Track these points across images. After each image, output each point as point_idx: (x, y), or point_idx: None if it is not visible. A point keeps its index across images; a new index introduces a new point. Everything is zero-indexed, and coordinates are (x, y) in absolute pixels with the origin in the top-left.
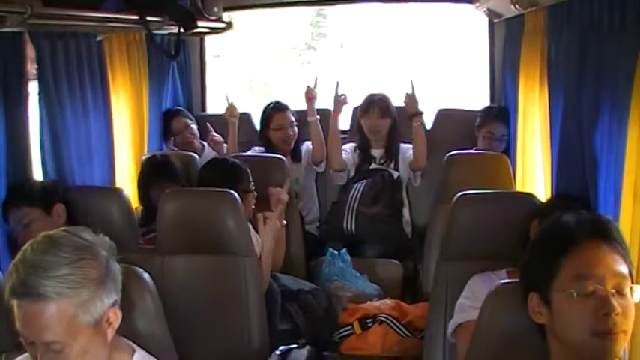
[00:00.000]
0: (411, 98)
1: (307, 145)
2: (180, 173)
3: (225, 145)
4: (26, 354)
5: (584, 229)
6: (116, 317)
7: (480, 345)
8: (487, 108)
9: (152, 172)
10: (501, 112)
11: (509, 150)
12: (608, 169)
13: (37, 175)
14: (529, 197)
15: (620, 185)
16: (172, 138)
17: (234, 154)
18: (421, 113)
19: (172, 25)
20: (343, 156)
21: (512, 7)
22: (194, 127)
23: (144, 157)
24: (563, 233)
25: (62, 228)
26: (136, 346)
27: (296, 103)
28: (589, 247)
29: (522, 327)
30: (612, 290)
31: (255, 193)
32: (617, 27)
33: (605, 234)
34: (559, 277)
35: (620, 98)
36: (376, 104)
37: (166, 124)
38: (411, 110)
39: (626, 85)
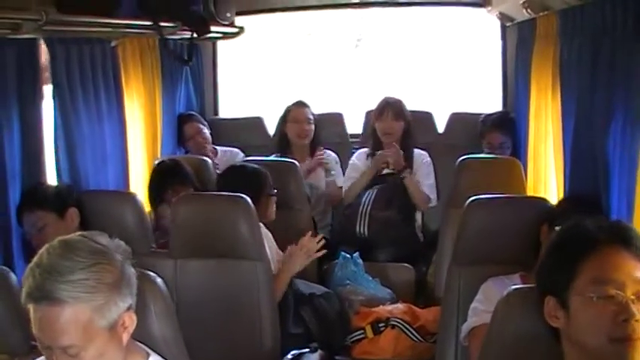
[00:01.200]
0: (395, 154)
1: (328, 154)
2: (191, 176)
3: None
4: (41, 358)
5: (605, 234)
6: (131, 321)
7: (491, 350)
8: (485, 117)
9: (163, 176)
10: (498, 120)
11: (519, 154)
12: (621, 175)
13: (51, 179)
14: (541, 202)
15: (633, 191)
16: (185, 143)
17: (248, 158)
18: (409, 167)
19: (185, 30)
20: (353, 166)
21: (524, 11)
22: (206, 131)
23: (157, 161)
24: (583, 237)
25: (78, 233)
26: (150, 351)
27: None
28: (610, 252)
29: (534, 332)
30: (632, 297)
31: (275, 197)
32: (631, 31)
33: (626, 240)
34: (578, 281)
35: (634, 103)
36: (390, 107)
37: (180, 128)
38: (397, 167)
39: None
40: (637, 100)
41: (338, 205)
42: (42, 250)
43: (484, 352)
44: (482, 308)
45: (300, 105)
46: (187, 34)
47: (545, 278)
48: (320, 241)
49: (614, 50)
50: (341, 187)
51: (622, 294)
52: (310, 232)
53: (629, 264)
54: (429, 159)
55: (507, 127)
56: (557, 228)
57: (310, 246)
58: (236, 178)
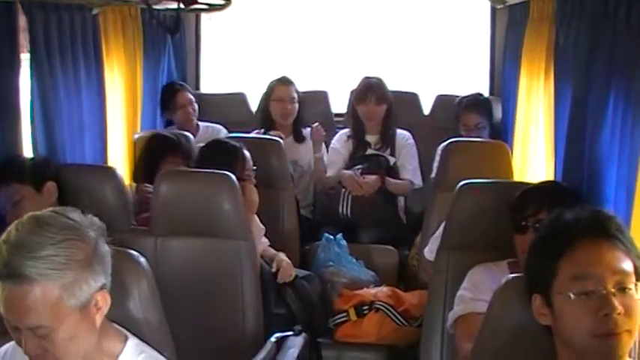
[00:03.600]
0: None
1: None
2: (190, 151)
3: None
4: (12, 342)
5: (581, 228)
6: (105, 302)
7: (488, 339)
8: (460, 99)
9: (165, 149)
10: (473, 101)
11: (506, 138)
12: (620, 164)
13: (27, 152)
14: None
15: (633, 180)
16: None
17: (230, 135)
18: (391, 149)
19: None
20: (334, 150)
21: None
22: (196, 105)
23: (137, 135)
24: (560, 233)
25: (50, 208)
26: (129, 334)
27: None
28: (588, 245)
29: (532, 323)
30: (613, 289)
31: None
32: (633, 18)
33: (603, 230)
34: (558, 279)
35: (634, 91)
36: (372, 91)
37: (170, 97)
38: (374, 187)
39: None
40: (638, 88)
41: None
42: (11, 227)
43: (480, 341)
44: (469, 296)
45: (285, 83)
46: (173, 4)
47: (529, 277)
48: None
49: (615, 37)
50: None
51: (602, 288)
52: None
53: (609, 255)
54: (412, 140)
55: (483, 108)
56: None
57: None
58: (214, 152)
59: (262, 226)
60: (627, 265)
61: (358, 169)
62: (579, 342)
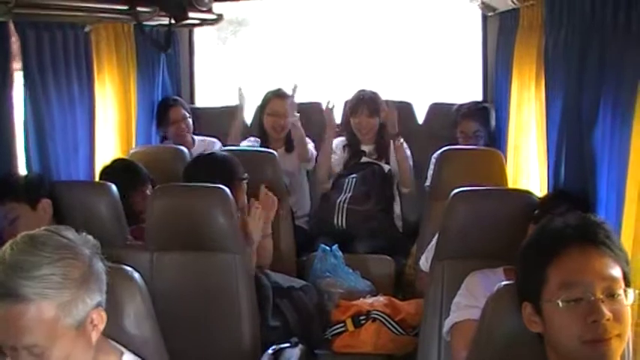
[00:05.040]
0: (390, 117)
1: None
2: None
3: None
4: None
5: (568, 235)
6: (101, 319)
7: (481, 347)
8: (459, 106)
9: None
10: (471, 109)
11: (499, 145)
12: (610, 169)
13: (21, 168)
14: (526, 194)
15: (623, 185)
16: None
17: (225, 148)
18: (398, 134)
19: (163, 16)
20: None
21: (509, 0)
22: (190, 120)
23: (132, 150)
24: (548, 240)
25: (43, 227)
26: (124, 349)
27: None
28: (575, 252)
29: (524, 330)
30: (602, 296)
31: (245, 182)
32: (622, 23)
33: (591, 237)
34: (547, 287)
35: (624, 96)
36: (365, 103)
37: (164, 112)
38: (391, 130)
39: (631, 83)
40: (628, 94)
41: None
42: (6, 246)
43: (474, 349)
44: (465, 303)
45: (280, 96)
46: (165, 20)
47: (519, 285)
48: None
49: (603, 43)
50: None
51: (590, 295)
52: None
53: (597, 262)
54: (405, 145)
55: (481, 116)
56: None
57: (266, 200)
58: (206, 166)
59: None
60: (616, 272)
61: (353, 177)
62: (569, 349)
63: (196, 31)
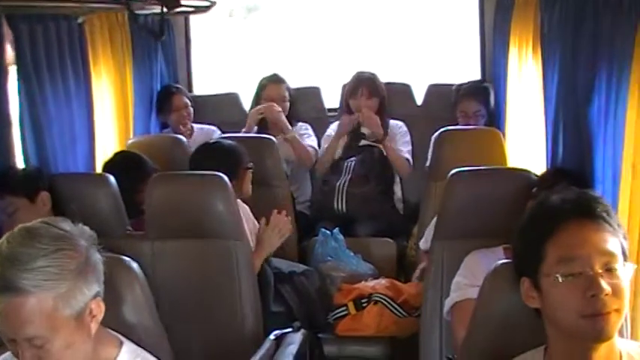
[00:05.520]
0: (369, 123)
1: (299, 125)
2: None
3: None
4: (8, 352)
5: (566, 210)
6: (99, 309)
7: (479, 325)
8: (457, 87)
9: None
10: (471, 89)
11: (498, 124)
12: (606, 143)
13: (18, 162)
14: (525, 173)
15: (619, 159)
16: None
17: (224, 135)
18: (386, 133)
19: (155, 4)
20: (329, 137)
21: None
22: (191, 109)
23: (130, 141)
24: (546, 216)
25: (39, 219)
26: (123, 339)
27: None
28: (573, 227)
29: (522, 307)
30: (600, 270)
31: (251, 171)
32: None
33: (589, 212)
34: (546, 262)
35: (618, 71)
36: (364, 85)
37: (166, 100)
38: (377, 135)
39: (625, 58)
40: (622, 69)
41: (312, 168)
42: (2, 240)
43: (472, 328)
44: (465, 282)
45: (275, 81)
46: (157, 9)
47: (517, 261)
48: (287, 216)
49: (598, 19)
50: (311, 149)
51: (589, 269)
52: (276, 211)
53: (595, 237)
54: (405, 128)
55: (481, 96)
56: None
57: (281, 224)
58: (212, 154)
59: (257, 224)
60: (614, 246)
61: (352, 160)
62: (568, 323)
63: (204, 17)
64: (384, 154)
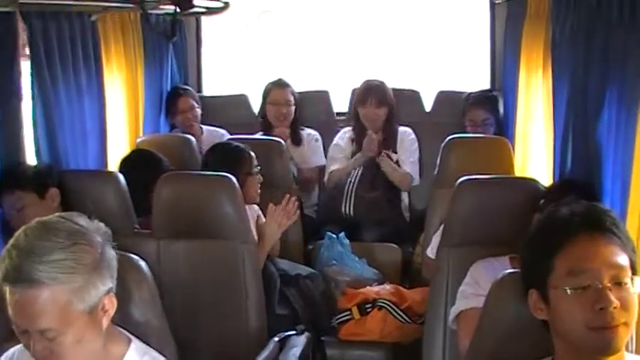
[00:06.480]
0: (368, 144)
1: (308, 133)
2: (165, 164)
3: None
4: (20, 345)
5: (576, 223)
6: (112, 305)
7: (485, 334)
8: (467, 96)
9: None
10: (480, 97)
11: (507, 133)
12: (616, 157)
13: (30, 158)
14: (532, 183)
15: (628, 173)
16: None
17: (234, 137)
18: (393, 147)
19: (168, 4)
20: (337, 147)
21: None
22: (198, 110)
23: (139, 139)
24: (555, 228)
25: (56, 214)
26: (132, 337)
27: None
28: (582, 240)
29: (528, 317)
30: (609, 284)
31: (260, 177)
32: (627, 14)
33: (598, 225)
34: (554, 274)
35: (629, 86)
36: (372, 93)
37: (173, 101)
38: (375, 155)
39: (636, 73)
40: (633, 84)
41: (319, 184)
42: (19, 232)
43: (477, 337)
44: (470, 291)
45: (279, 85)
46: (170, 9)
47: (525, 273)
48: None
49: (610, 32)
50: (317, 168)
51: (598, 283)
52: (272, 204)
53: (604, 249)
54: (413, 136)
55: (490, 104)
56: None
57: (289, 207)
58: (216, 156)
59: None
60: (623, 260)
61: (359, 167)
62: (576, 335)
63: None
64: (393, 160)
